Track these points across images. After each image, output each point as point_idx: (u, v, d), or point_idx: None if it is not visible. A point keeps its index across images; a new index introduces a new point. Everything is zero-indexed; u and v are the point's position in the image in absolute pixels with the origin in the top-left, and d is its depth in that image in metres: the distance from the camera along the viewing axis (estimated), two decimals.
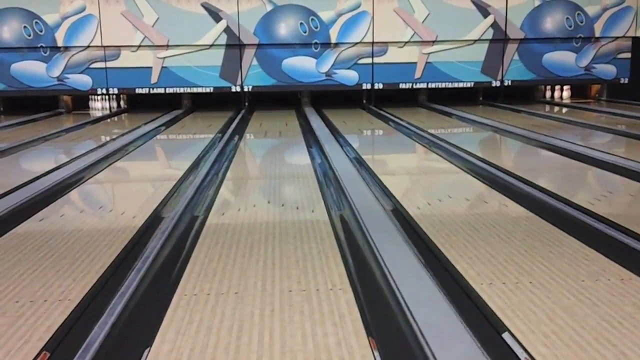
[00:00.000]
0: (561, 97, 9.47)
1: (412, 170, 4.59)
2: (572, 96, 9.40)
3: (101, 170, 4.40)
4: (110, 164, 4.62)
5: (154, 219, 3.05)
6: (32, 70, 8.28)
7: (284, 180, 4.06)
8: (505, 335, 1.73)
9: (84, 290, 2.13)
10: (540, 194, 3.34)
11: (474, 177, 3.97)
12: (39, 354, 1.69)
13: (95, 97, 8.91)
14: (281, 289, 2.12)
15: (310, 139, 5.84)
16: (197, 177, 4.00)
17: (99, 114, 8.49)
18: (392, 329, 1.80)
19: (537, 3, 8.56)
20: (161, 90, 8.44)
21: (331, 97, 8.95)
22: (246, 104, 8.85)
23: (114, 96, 8.92)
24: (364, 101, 9.05)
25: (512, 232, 2.71)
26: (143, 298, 2.06)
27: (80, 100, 8.92)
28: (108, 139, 6.00)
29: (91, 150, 5.14)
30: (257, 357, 1.64)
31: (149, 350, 1.70)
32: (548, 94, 9.52)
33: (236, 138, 5.91)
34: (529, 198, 3.30)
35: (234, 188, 3.81)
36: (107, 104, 9.07)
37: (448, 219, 2.95)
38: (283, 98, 9.00)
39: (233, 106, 8.72)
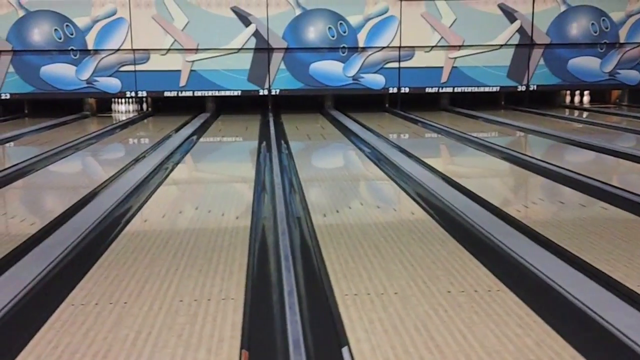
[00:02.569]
0: (581, 102, 9.56)
1: (482, 173, 4.61)
2: (591, 101, 9.50)
3: (169, 173, 4.39)
4: (173, 167, 4.61)
5: (259, 220, 3.05)
6: (61, 73, 8.25)
7: (362, 182, 4.08)
8: None
9: (241, 289, 2.13)
10: (636, 197, 3.38)
11: (552, 180, 4.00)
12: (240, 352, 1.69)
13: (119, 100, 8.86)
14: (438, 289, 2.13)
15: (357, 141, 5.86)
16: (272, 178, 4.00)
17: (123, 117, 8.44)
18: (586, 331, 1.82)
19: (563, 9, 8.63)
20: (189, 94, 8.43)
21: (353, 101, 8.96)
22: (269, 107, 8.85)
23: (138, 99, 8.87)
24: (387, 105, 9.08)
25: (630, 234, 2.74)
26: (309, 297, 2.06)
27: (103, 103, 8.88)
28: (153, 142, 5.97)
29: (145, 153, 5.14)
30: (465, 357, 1.66)
31: (349, 349, 1.70)
32: (568, 98, 9.59)
33: (282, 141, 5.91)
34: (623, 201, 3.34)
35: (317, 190, 3.80)
36: (130, 107, 9.02)
37: (557, 222, 2.99)
38: (305, 101, 9.01)
39: (258, 109, 8.72)
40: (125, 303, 2.02)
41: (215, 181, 4.29)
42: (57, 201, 3.70)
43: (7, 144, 6.01)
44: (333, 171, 4.68)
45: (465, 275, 2.26)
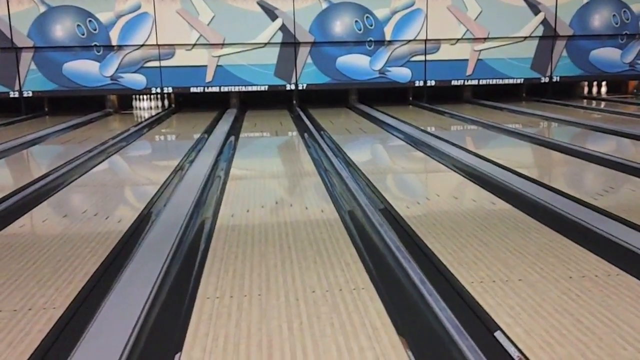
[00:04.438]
0: (599, 93, 9.64)
1: (538, 162, 4.64)
2: (608, 92, 9.59)
3: (229, 169, 4.41)
4: (229, 163, 4.64)
5: (345, 212, 3.09)
6: (84, 70, 8.23)
7: (425, 174, 4.13)
8: None
9: (365, 278, 2.17)
10: None
11: (609, 168, 4.04)
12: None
13: (141, 96, 8.86)
14: (559, 275, 2.17)
15: (401, 135, 5.90)
16: (335, 171, 4.03)
17: (145, 114, 8.43)
18: None
19: (585, 0, 8.67)
20: (216, 89, 8.45)
21: (376, 94, 8.99)
22: (294, 101, 8.88)
23: (159, 95, 8.87)
24: (410, 98, 9.12)
25: None
26: (437, 286, 2.10)
27: (124, 100, 8.87)
28: (194, 139, 5.99)
29: (191, 151, 5.16)
30: (621, 338, 1.69)
31: (504, 333, 1.74)
32: (586, 89, 9.66)
33: (323, 134, 5.93)
34: None
35: (385, 182, 3.81)
36: (152, 104, 9.02)
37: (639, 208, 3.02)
38: (328, 95, 9.02)
39: (283, 104, 8.75)
40: (259, 295, 2.05)
41: (280, 175, 4.30)
42: (130, 199, 3.72)
43: (41, 144, 5.96)
44: (389, 163, 4.72)
45: (577, 260, 2.30)
